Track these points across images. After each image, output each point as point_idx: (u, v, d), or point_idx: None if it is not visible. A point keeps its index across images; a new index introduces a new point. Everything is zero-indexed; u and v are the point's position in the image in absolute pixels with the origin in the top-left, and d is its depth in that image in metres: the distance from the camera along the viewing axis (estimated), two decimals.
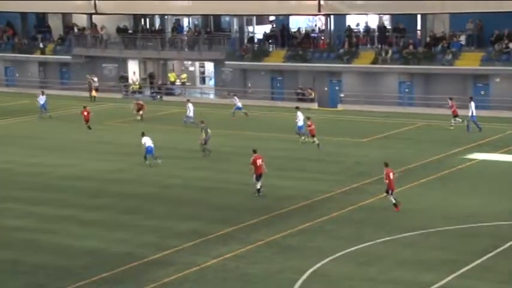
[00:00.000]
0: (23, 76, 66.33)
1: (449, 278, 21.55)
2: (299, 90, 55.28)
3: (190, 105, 46.70)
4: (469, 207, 28.62)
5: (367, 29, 56.71)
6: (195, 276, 22.31)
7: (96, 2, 61.46)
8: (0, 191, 32.83)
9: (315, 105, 53.94)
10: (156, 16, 65.76)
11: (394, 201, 28.15)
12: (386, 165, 28.72)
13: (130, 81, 62.95)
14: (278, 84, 56.86)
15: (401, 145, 40.33)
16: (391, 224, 26.72)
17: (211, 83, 62.62)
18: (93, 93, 59.09)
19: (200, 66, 63.70)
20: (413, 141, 41.38)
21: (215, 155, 38.08)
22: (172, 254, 24.21)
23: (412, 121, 46.76)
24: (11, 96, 61.25)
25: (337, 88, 54.25)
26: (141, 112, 48.89)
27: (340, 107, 53.20)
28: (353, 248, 24.16)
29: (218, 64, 58.93)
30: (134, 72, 63.42)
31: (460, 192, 30.94)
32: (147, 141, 36.25)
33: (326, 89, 54.72)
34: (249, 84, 57.34)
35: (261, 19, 61.81)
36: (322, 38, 56.74)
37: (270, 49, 57.77)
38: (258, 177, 30.46)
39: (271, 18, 62.08)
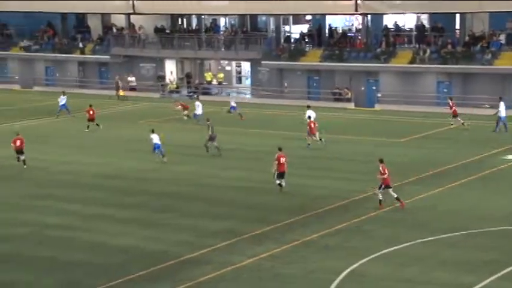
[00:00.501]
0: (62, 76, 67.07)
1: (489, 279, 21.11)
2: (336, 90, 54.91)
3: (198, 103, 47.09)
4: (511, 207, 28.02)
5: (399, 29, 56.07)
6: (231, 276, 22.18)
7: (135, 2, 61.80)
8: (38, 189, 33.13)
9: (351, 105, 53.57)
10: (193, 16, 65.93)
11: (381, 198, 28.06)
12: (381, 161, 28.51)
13: (167, 80, 63.21)
14: (314, 84, 56.57)
15: (441, 145, 39.78)
16: (431, 224, 26.30)
17: (248, 82, 62.57)
18: (121, 92, 59.49)
19: (237, 66, 63.73)
20: (452, 141, 40.81)
21: (246, 154, 37.97)
22: (208, 253, 24.11)
23: (451, 121, 46.03)
24: (50, 96, 61.72)
25: (374, 88, 53.78)
26: (186, 112, 49.02)
27: (377, 107, 52.72)
28: (391, 249, 23.81)
29: (255, 64, 58.85)
30: (171, 72, 63.69)
31: (502, 192, 30.36)
32: (154, 138, 36.91)
33: (363, 88, 54.27)
34: (286, 84, 57.13)
35: (298, 19, 61.59)
36: (359, 37, 56.30)
37: (307, 49, 57.54)
38: (281, 174, 30.56)
39: (308, 17, 61.81)
